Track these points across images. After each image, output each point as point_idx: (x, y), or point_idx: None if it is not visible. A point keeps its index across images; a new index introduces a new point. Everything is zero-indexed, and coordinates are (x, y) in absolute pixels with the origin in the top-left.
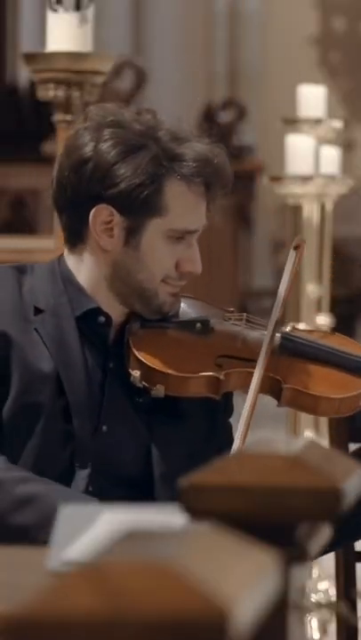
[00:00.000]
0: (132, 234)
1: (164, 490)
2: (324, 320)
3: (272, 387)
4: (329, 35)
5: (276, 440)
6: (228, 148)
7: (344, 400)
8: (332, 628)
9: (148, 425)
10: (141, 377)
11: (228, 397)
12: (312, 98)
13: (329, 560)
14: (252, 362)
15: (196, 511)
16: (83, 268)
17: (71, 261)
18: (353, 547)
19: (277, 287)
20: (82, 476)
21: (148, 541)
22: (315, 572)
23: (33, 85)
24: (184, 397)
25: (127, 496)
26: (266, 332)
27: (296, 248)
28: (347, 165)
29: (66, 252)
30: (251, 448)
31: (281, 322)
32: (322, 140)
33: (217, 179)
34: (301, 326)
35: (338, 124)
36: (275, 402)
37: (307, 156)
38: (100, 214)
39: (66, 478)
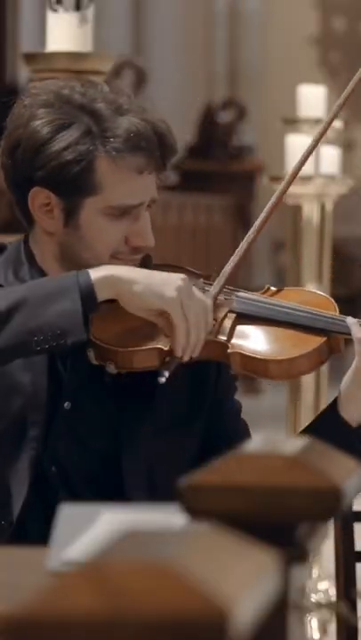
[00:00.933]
0: (70, 214)
1: (133, 469)
2: None
3: (221, 352)
4: (329, 35)
5: (276, 440)
6: (227, 148)
7: (294, 361)
8: (333, 627)
9: (117, 403)
10: (95, 355)
11: (219, 375)
12: (312, 98)
13: (329, 560)
14: None
15: (195, 511)
16: (37, 249)
17: (30, 239)
18: (353, 547)
19: (277, 287)
20: (33, 436)
21: (148, 541)
22: (315, 572)
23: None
24: (137, 372)
25: (95, 471)
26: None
27: None
28: (347, 165)
29: (27, 231)
30: (251, 448)
31: (233, 283)
32: (322, 140)
33: (151, 149)
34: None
35: (338, 123)
36: (275, 402)
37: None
38: (37, 197)
39: (17, 432)
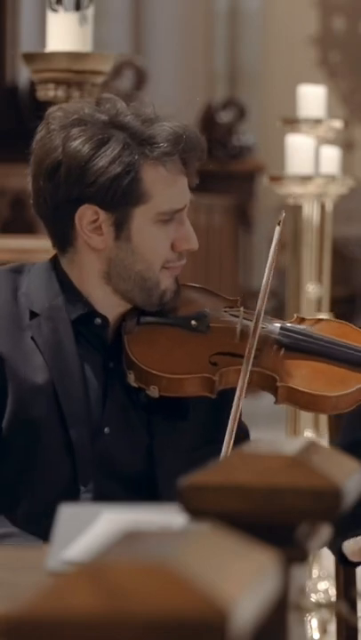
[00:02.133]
0: (120, 227)
1: (168, 489)
2: None
3: (268, 384)
4: (329, 35)
5: (276, 440)
6: (227, 148)
7: (341, 397)
8: (332, 627)
9: (149, 424)
10: (135, 377)
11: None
12: (312, 98)
13: (329, 560)
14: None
15: (196, 511)
16: (76, 270)
17: (64, 263)
18: None
19: (277, 287)
20: (85, 491)
21: (148, 541)
22: (315, 572)
23: (33, 85)
24: (181, 398)
25: (131, 497)
26: (253, 326)
27: (279, 224)
28: (347, 165)
29: (59, 254)
30: (251, 448)
31: (274, 314)
32: (322, 140)
33: (192, 152)
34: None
35: (338, 123)
36: (275, 402)
37: (307, 156)
38: (84, 215)
39: (70, 494)
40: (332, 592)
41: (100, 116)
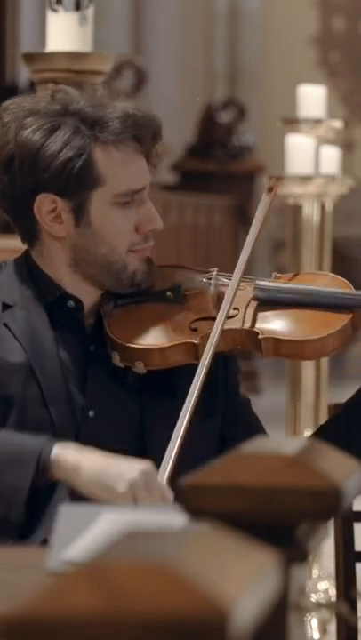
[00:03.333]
0: (79, 213)
1: (159, 465)
2: None
3: (250, 340)
4: (329, 35)
5: (276, 440)
6: (227, 148)
7: (325, 339)
8: (332, 627)
9: (140, 404)
10: (120, 357)
11: (226, 361)
12: (312, 98)
13: (329, 560)
14: (227, 319)
15: (196, 511)
16: (46, 261)
17: (35, 255)
18: (353, 547)
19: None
20: None
21: (147, 541)
22: (315, 572)
23: (33, 85)
24: (167, 369)
25: None
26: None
27: (270, 190)
28: (347, 165)
29: (28, 248)
30: (251, 448)
31: (250, 273)
32: (322, 140)
33: (143, 130)
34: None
35: (338, 123)
36: (275, 402)
37: (307, 156)
38: (42, 204)
39: None
40: (332, 592)
41: (54, 105)
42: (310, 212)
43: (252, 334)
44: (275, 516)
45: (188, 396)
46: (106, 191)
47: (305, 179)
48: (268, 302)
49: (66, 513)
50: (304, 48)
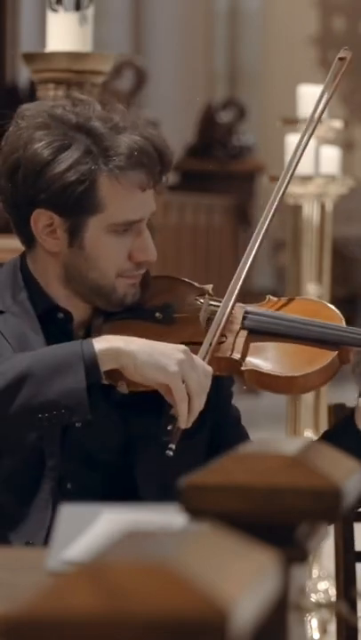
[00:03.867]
0: (74, 234)
1: (146, 485)
2: None
3: (233, 369)
4: (329, 35)
5: (276, 440)
6: (227, 148)
7: (308, 376)
8: (332, 627)
9: (125, 419)
10: (105, 374)
11: (218, 381)
12: (312, 98)
13: (329, 560)
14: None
15: (196, 511)
16: (39, 268)
17: (29, 262)
18: (353, 547)
19: (277, 287)
20: (50, 466)
21: (148, 541)
22: (315, 572)
23: (33, 85)
24: (150, 392)
25: (109, 487)
26: (220, 311)
27: (341, 59)
28: (347, 165)
29: (25, 252)
30: (251, 448)
31: (242, 299)
32: (322, 140)
33: (151, 165)
34: (275, 298)
35: (338, 123)
36: (275, 402)
37: (307, 156)
38: (39, 219)
39: (35, 465)
40: (332, 592)
41: (71, 117)
42: (310, 211)
43: (235, 364)
44: (275, 515)
45: None
46: (103, 218)
47: (305, 179)
48: (255, 331)
49: (66, 513)
50: (304, 48)
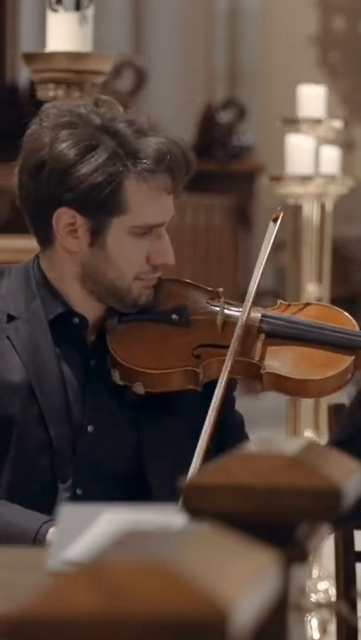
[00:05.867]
0: (96, 234)
1: (158, 487)
2: None
3: (252, 372)
4: (329, 35)
5: (276, 440)
6: (227, 148)
7: (326, 380)
8: (333, 627)
9: (136, 422)
10: (120, 376)
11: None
12: (312, 98)
13: (329, 560)
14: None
15: (196, 511)
16: (54, 269)
17: (44, 261)
18: (353, 547)
19: (277, 287)
20: (64, 488)
21: (148, 541)
22: (315, 572)
23: (33, 85)
24: (167, 392)
25: (121, 493)
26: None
27: (275, 220)
28: (347, 165)
29: (40, 251)
30: (251, 448)
31: (258, 302)
32: (322, 140)
33: (178, 170)
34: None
35: (338, 123)
36: (275, 402)
37: (307, 156)
38: (61, 218)
39: (48, 490)
40: (332, 592)
41: (95, 118)
42: (310, 211)
43: (254, 367)
44: (275, 516)
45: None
46: (126, 220)
47: (305, 179)
48: (273, 335)
49: (66, 513)
50: (304, 48)
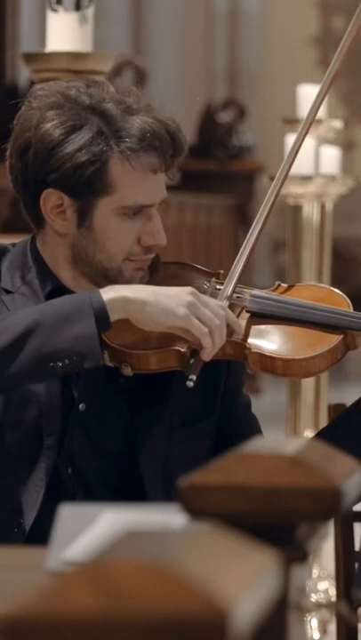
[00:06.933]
0: (84, 215)
1: (151, 471)
2: None
3: (238, 352)
4: (329, 35)
5: (276, 440)
6: (227, 148)
7: (312, 360)
8: (333, 627)
9: (129, 403)
10: (109, 357)
11: (229, 367)
12: (312, 98)
13: (329, 560)
14: None
15: (196, 511)
16: (47, 251)
17: (38, 242)
18: (353, 547)
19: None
20: (48, 441)
21: (147, 541)
22: (315, 572)
23: (33, 85)
24: (156, 374)
25: (110, 469)
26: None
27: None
28: (347, 165)
29: (34, 234)
30: (251, 448)
31: (245, 282)
32: (322, 140)
33: (164, 149)
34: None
35: (338, 123)
36: (275, 402)
37: (307, 156)
38: (49, 199)
39: (32, 443)
40: (332, 592)
41: (85, 99)
42: (310, 211)
43: (240, 346)
44: (275, 516)
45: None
46: (113, 200)
47: (305, 179)
48: (260, 314)
49: (66, 513)
50: (304, 48)
